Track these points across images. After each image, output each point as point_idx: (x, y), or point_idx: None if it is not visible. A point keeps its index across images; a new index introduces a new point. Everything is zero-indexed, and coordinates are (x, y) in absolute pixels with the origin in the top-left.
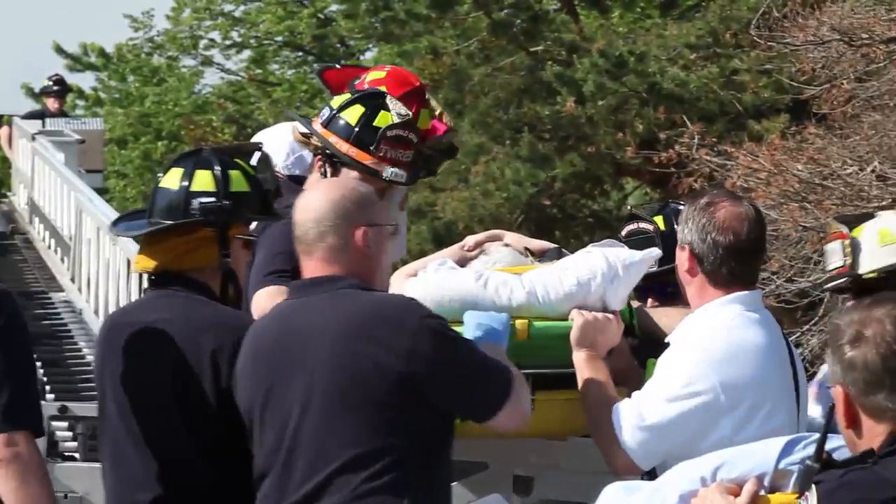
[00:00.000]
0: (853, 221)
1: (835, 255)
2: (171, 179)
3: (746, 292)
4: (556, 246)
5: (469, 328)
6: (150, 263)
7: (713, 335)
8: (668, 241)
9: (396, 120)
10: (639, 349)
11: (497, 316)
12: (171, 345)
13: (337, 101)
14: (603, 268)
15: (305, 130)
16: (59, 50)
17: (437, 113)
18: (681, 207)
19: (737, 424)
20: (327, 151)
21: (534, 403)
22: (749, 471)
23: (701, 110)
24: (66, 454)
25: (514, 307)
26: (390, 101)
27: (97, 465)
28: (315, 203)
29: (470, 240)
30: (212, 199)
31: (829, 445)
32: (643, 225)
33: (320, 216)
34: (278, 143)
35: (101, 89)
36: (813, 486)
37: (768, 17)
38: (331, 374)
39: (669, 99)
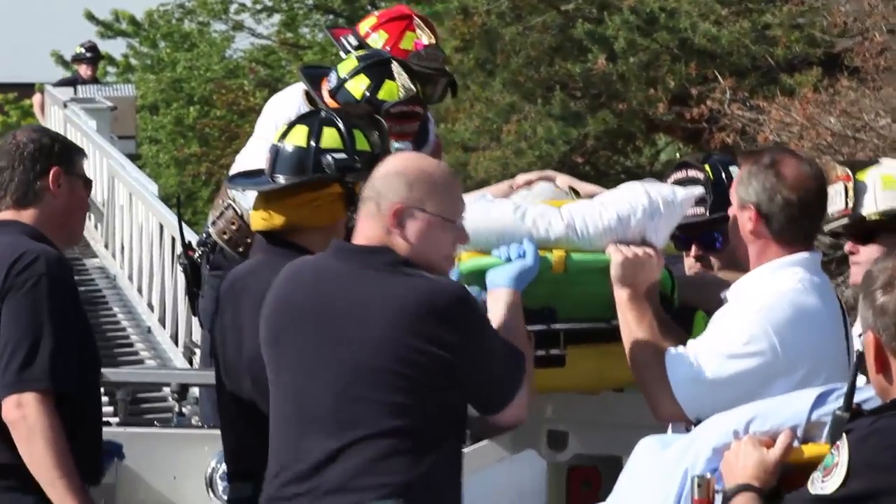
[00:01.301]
0: (857, 165)
1: (837, 197)
2: (297, 137)
3: (808, 254)
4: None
5: (499, 271)
6: (277, 220)
7: (776, 297)
8: (717, 190)
9: (402, 95)
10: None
11: (522, 263)
12: None
13: (344, 68)
14: (644, 203)
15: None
16: (91, 17)
17: (419, 34)
18: (726, 159)
19: (791, 389)
20: None
21: (566, 358)
22: (782, 423)
23: (732, 65)
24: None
25: (551, 240)
26: (396, 70)
27: (137, 429)
28: (383, 169)
29: (521, 178)
30: (343, 156)
31: (858, 398)
32: (692, 172)
33: (378, 183)
34: (290, 105)
35: (133, 56)
36: (843, 434)
37: None
38: (373, 351)
39: (701, 54)
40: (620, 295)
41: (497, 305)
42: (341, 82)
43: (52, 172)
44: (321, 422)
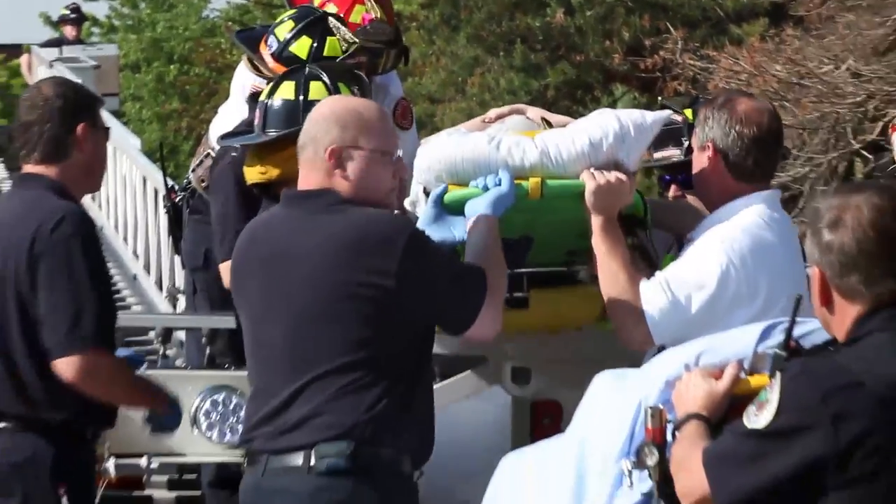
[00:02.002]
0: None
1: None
2: (285, 92)
3: (768, 192)
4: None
5: (478, 200)
6: (272, 173)
7: (739, 231)
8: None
9: (344, 48)
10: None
11: (498, 190)
12: None
13: (282, 30)
14: (615, 127)
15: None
16: None
17: (368, 7)
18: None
19: (751, 318)
20: None
21: (529, 300)
22: (729, 356)
23: (684, 17)
24: None
25: (526, 168)
26: (334, 25)
27: None
28: (313, 115)
29: (492, 112)
30: None
31: (806, 328)
32: (673, 115)
33: (311, 129)
34: (243, 70)
35: (115, 17)
36: (778, 373)
37: None
38: (317, 289)
39: (654, 7)
40: (596, 222)
41: (475, 231)
42: (284, 45)
43: (79, 128)
44: (280, 363)
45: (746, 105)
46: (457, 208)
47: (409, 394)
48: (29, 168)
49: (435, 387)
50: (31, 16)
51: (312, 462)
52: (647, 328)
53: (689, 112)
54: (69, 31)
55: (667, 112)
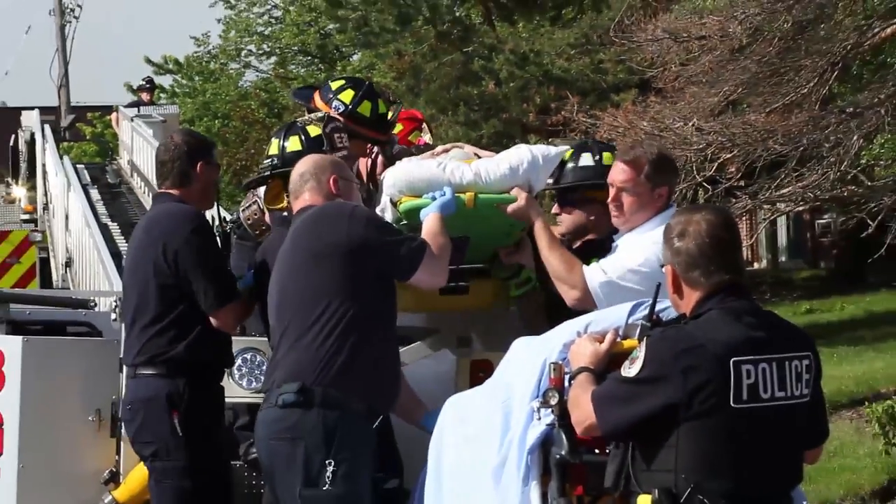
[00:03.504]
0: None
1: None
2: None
3: (672, 208)
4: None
5: (429, 207)
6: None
7: (657, 235)
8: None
9: (388, 107)
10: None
11: (444, 199)
12: None
13: (346, 96)
14: (528, 157)
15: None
16: (148, 60)
17: (423, 131)
18: (603, 146)
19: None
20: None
21: (469, 288)
22: (609, 325)
23: (579, 88)
24: None
25: (464, 185)
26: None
27: None
28: (302, 167)
29: (439, 148)
30: None
31: (660, 307)
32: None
33: (311, 171)
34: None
35: (177, 86)
36: (644, 339)
37: (622, 24)
38: (291, 260)
39: (557, 81)
40: (538, 223)
41: (428, 223)
42: (353, 106)
43: (199, 165)
44: (275, 322)
45: (662, 145)
46: (412, 213)
47: (361, 347)
48: (162, 188)
49: (401, 349)
50: (118, 85)
51: (278, 397)
52: (580, 292)
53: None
54: (144, 96)
55: (565, 147)
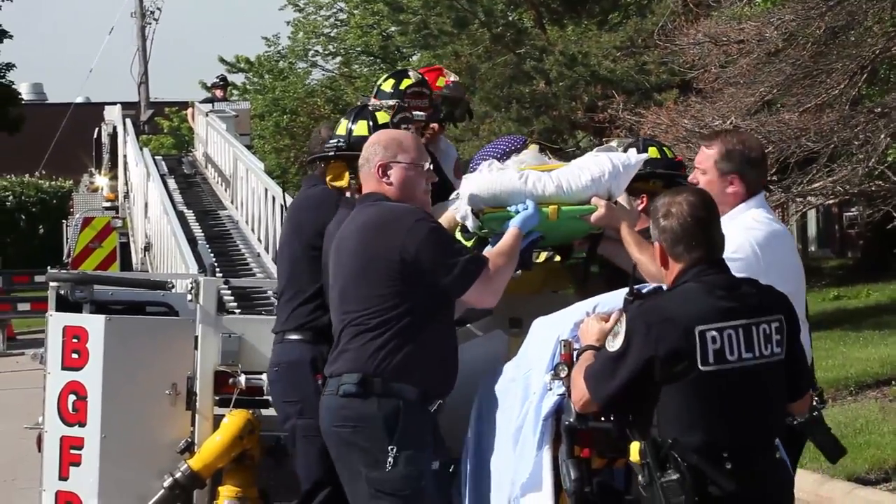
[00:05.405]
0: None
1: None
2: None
3: (759, 195)
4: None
5: (513, 220)
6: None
7: (753, 224)
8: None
9: (390, 115)
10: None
11: (526, 213)
12: None
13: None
14: (609, 167)
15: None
16: (222, 60)
17: (447, 74)
18: (649, 141)
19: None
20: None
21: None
22: (613, 307)
23: (624, 87)
24: (229, 310)
25: (545, 196)
26: (372, 106)
27: (252, 316)
28: (366, 144)
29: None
30: None
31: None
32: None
33: (365, 153)
34: None
35: (248, 83)
36: (624, 314)
37: (665, 28)
38: (355, 258)
39: (604, 81)
40: (624, 228)
41: (505, 239)
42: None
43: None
44: (337, 313)
45: (747, 136)
46: (496, 224)
47: (421, 339)
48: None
49: (458, 330)
50: (193, 82)
51: (339, 387)
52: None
53: (653, 150)
54: (218, 92)
55: (644, 155)
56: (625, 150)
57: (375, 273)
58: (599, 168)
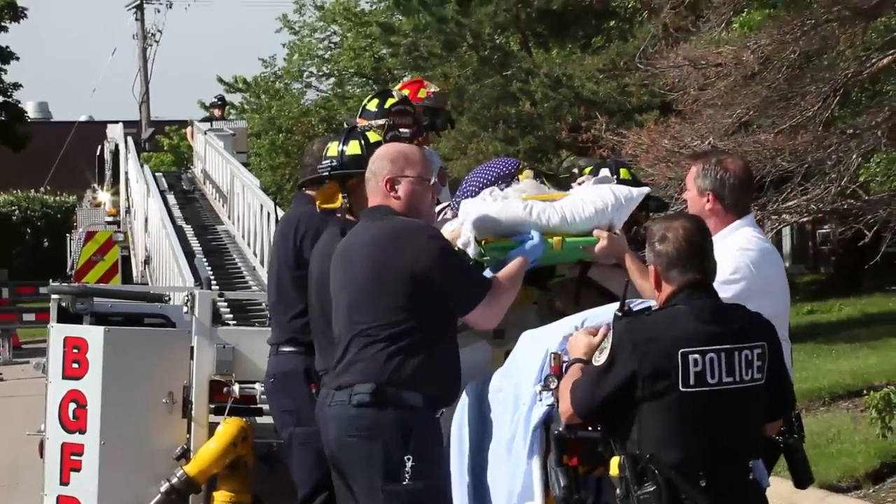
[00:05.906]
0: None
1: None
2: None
3: (748, 216)
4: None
5: (517, 250)
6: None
7: (746, 244)
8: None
9: (380, 133)
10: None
11: (532, 243)
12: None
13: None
14: (612, 200)
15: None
16: (220, 80)
17: (427, 86)
18: (619, 163)
19: (763, 308)
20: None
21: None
22: (603, 321)
23: (607, 108)
24: (224, 321)
25: (550, 227)
26: (361, 128)
27: (246, 328)
28: (372, 158)
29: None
30: None
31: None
32: (603, 171)
33: (373, 167)
34: None
35: (245, 103)
36: (611, 330)
37: (646, 52)
38: (365, 271)
39: (588, 102)
40: (628, 258)
41: (511, 266)
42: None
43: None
44: (344, 323)
45: (733, 163)
46: (499, 252)
47: (430, 349)
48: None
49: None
50: (192, 102)
51: (351, 397)
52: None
53: (623, 171)
54: (216, 111)
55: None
56: (595, 171)
57: (387, 286)
58: (603, 200)
